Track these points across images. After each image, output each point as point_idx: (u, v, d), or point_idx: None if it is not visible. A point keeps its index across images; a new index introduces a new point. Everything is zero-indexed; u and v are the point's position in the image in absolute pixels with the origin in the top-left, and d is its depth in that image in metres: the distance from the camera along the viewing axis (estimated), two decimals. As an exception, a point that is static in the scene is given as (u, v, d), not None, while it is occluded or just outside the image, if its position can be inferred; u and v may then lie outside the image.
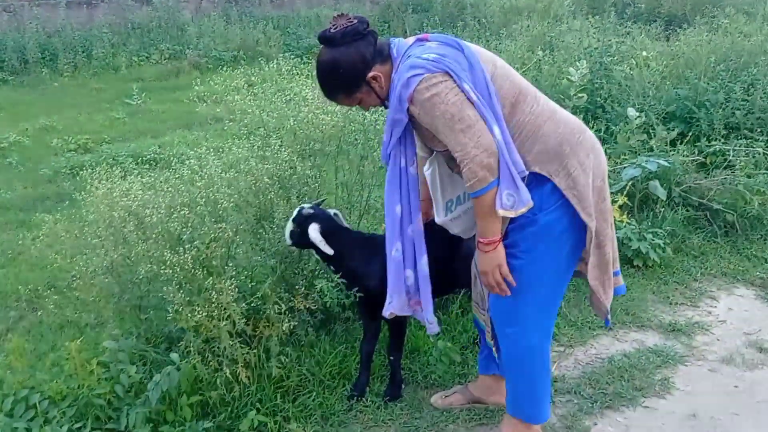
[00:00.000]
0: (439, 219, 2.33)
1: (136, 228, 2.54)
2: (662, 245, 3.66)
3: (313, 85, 3.36)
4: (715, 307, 3.35)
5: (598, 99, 5.02)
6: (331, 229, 2.56)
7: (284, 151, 2.84)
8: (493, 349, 2.35)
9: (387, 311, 2.34)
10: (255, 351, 2.53)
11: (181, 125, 6.95)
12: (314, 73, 2.17)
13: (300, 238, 2.56)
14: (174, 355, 2.41)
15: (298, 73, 3.69)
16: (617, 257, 2.28)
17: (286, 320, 2.50)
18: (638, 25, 7.36)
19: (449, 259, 2.54)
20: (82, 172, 2.94)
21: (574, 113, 4.29)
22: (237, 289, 2.43)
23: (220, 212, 2.64)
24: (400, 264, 2.28)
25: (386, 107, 2.15)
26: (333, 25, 2.08)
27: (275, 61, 4.03)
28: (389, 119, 2.11)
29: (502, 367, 2.35)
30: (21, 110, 7.73)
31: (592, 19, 7.78)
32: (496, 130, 1.97)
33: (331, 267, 2.64)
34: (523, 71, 5.13)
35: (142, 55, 10.41)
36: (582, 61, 4.83)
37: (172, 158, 3.25)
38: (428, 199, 2.39)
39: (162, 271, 2.41)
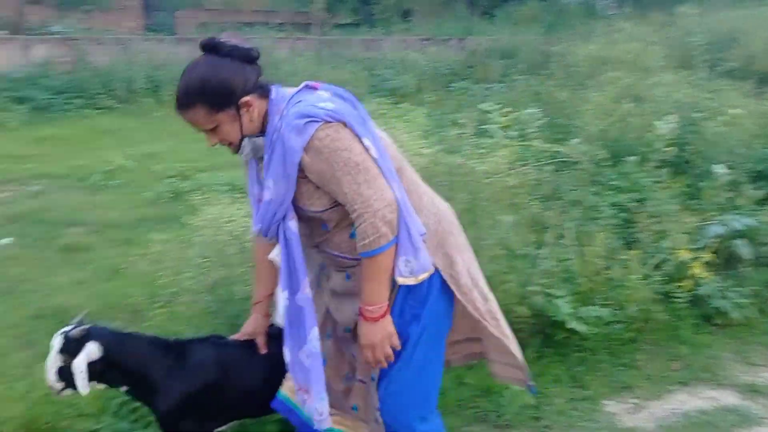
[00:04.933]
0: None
1: (238, 251, 2.76)
2: (745, 305, 3.61)
3: (402, 127, 3.56)
4: (798, 371, 3.27)
5: (685, 154, 4.99)
6: (119, 341, 2.11)
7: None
8: None
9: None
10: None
11: (271, 158, 7.29)
12: (182, 75, 1.85)
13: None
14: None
15: (384, 113, 3.89)
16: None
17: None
18: (730, 82, 7.25)
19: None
20: (186, 196, 3.21)
21: (660, 167, 4.33)
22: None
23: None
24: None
25: (235, 152, 1.91)
26: (224, 39, 1.86)
27: (368, 102, 4.25)
28: (278, 175, 1.83)
29: None
30: (126, 136, 8.31)
31: (684, 73, 7.72)
32: (395, 187, 1.83)
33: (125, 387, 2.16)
34: (610, 122, 5.17)
35: (239, 90, 10.98)
36: (670, 115, 4.85)
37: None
38: (269, 297, 2.22)
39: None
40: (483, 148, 3.70)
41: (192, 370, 2.12)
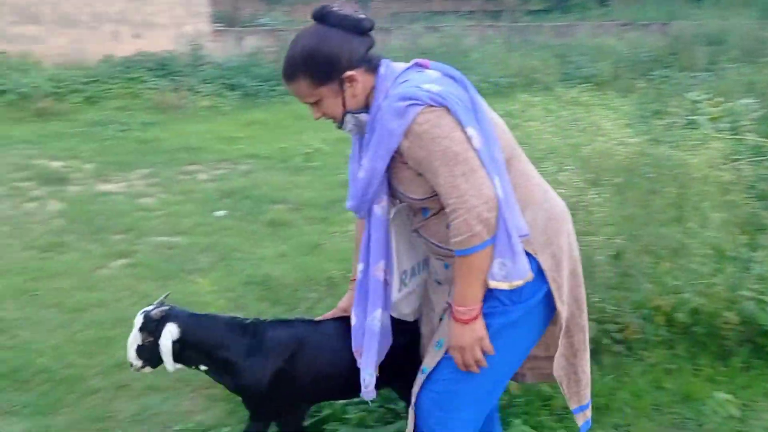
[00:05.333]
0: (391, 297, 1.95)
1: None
2: None
3: (604, 115, 3.42)
4: None
5: None
6: (197, 323, 2.13)
7: (577, 177, 2.93)
8: None
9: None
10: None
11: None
12: (290, 45, 1.79)
13: (155, 352, 2.08)
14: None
15: (586, 101, 3.75)
16: (589, 375, 1.93)
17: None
18: None
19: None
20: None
21: None
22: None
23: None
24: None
25: (339, 127, 1.84)
26: (337, 6, 1.76)
27: (565, 89, 4.13)
28: (373, 155, 1.73)
29: None
30: (322, 121, 8.77)
31: None
32: (497, 182, 1.66)
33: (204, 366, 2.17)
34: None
35: (427, 78, 11.20)
36: None
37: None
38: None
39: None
40: (692, 140, 3.46)
41: (270, 347, 2.11)
